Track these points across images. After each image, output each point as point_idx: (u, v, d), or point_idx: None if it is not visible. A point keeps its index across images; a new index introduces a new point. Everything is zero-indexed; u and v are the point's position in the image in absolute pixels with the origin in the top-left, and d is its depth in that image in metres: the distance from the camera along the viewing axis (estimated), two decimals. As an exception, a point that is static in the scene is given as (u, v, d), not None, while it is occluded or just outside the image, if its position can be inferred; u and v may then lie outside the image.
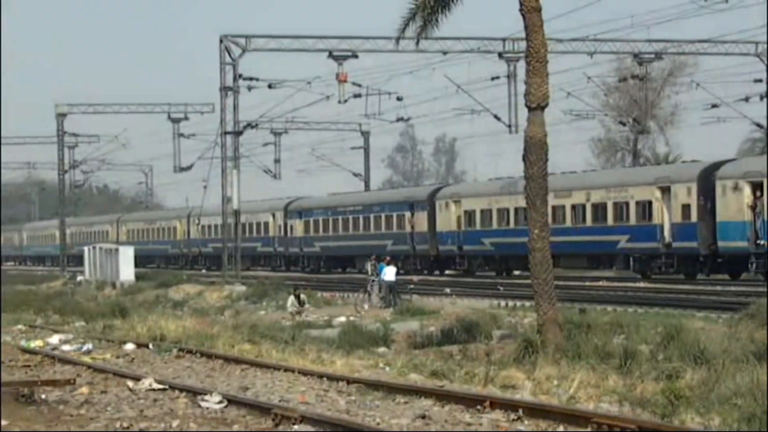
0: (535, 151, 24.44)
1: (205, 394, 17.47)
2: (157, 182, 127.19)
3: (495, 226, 59.88)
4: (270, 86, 63.42)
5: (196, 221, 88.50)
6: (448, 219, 62.79)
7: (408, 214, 66.18)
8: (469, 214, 61.69)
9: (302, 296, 40.29)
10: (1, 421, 15.24)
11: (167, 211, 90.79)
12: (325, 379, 19.64)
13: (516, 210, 57.12)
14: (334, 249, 73.76)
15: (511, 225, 58.12)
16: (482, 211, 60.77)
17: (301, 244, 77.04)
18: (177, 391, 18.41)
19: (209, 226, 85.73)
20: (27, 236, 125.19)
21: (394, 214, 67.61)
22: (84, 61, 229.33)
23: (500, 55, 60.51)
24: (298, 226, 77.36)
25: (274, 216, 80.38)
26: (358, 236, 70.70)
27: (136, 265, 65.83)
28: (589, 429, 14.20)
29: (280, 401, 17.20)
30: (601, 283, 49.50)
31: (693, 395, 17.30)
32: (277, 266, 79.41)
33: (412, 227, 65.54)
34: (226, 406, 16.79)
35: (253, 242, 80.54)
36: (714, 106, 64.64)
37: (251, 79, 62.13)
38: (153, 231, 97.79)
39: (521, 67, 33.22)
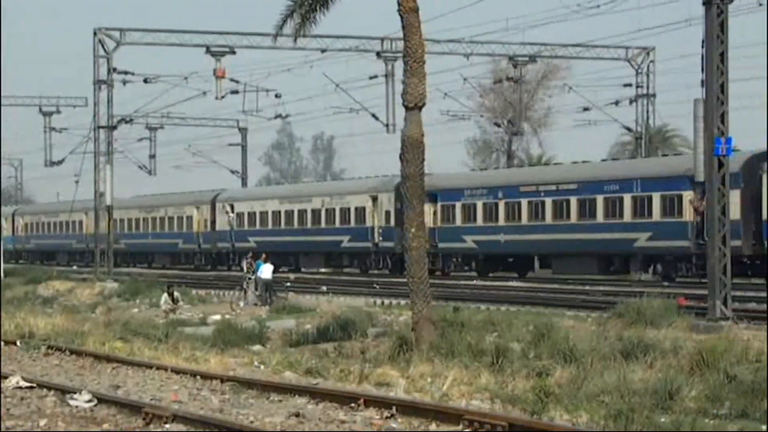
0: (412, 151, 24.62)
1: (75, 393, 17.18)
2: (27, 176, 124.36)
3: None
4: (145, 81, 62.87)
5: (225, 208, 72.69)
6: None
7: (689, 193, 45.16)
8: None
9: (176, 293, 39.89)
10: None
11: (181, 194, 76.19)
12: (198, 377, 19.46)
13: None
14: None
15: None
16: None
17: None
18: (45, 390, 18.07)
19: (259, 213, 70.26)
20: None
21: (654, 194, 47.00)
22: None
23: (378, 54, 60.81)
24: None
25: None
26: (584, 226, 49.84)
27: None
28: (460, 426, 14.33)
29: (151, 400, 16.99)
30: (473, 282, 50.02)
31: (562, 392, 17.61)
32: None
33: (701, 213, 42.20)
34: (95, 405, 16.53)
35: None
36: (586, 109, 66.05)
37: (126, 73, 61.49)
38: (156, 221, 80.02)
39: (399, 66, 33.39)
